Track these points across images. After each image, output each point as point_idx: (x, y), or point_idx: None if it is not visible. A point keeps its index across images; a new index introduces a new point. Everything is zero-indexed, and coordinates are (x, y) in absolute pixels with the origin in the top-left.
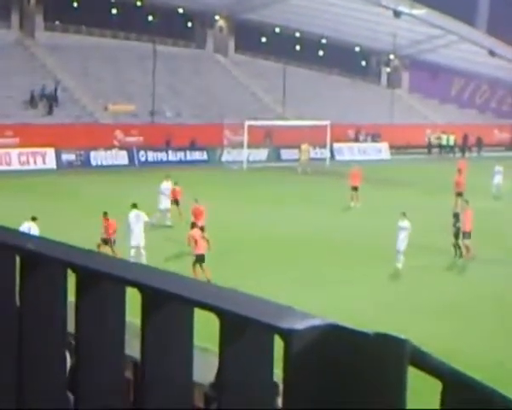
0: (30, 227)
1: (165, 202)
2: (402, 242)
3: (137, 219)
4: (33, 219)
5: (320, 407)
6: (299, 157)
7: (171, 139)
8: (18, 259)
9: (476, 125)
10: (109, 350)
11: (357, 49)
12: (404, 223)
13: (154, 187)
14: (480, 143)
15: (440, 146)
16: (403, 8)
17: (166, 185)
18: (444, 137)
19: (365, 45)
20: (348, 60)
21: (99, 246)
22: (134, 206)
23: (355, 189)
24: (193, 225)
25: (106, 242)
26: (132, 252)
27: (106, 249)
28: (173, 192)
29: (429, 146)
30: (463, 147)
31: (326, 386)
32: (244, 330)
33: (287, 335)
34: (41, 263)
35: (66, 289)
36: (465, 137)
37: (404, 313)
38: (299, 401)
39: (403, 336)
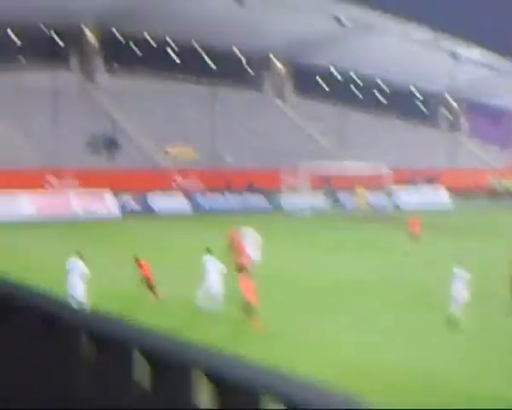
0: (75, 262)
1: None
2: (458, 290)
3: (213, 266)
4: (79, 254)
5: None
6: (356, 201)
7: (230, 184)
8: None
9: None
10: None
11: (415, 91)
12: (460, 271)
13: (213, 232)
14: None
15: (503, 192)
16: (460, 49)
17: (248, 232)
18: (507, 182)
19: (423, 88)
20: (406, 103)
21: (151, 289)
22: (208, 251)
23: (413, 235)
24: (239, 269)
25: (150, 287)
26: (202, 296)
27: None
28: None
29: (492, 192)
30: None
31: None
32: None
33: None
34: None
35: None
36: None
37: (460, 362)
38: None
39: None
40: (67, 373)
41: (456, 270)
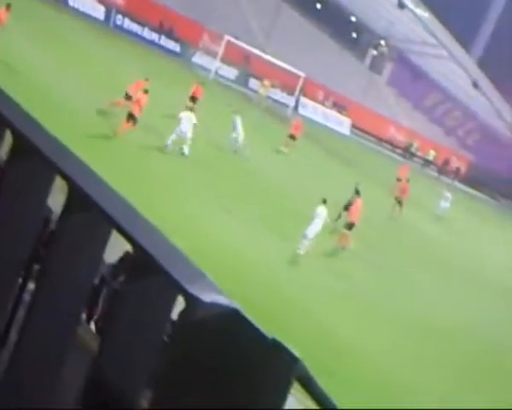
0: None
1: None
2: (312, 228)
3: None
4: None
5: (188, 374)
6: (259, 90)
7: (163, 23)
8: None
9: (439, 145)
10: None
11: (352, 18)
12: (321, 211)
13: (121, 54)
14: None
15: (418, 157)
16: (408, 2)
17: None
18: (429, 151)
19: (361, 19)
20: (341, 26)
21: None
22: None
23: (292, 138)
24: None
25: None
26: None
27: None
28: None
29: (406, 151)
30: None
31: (204, 360)
32: (154, 274)
33: (190, 300)
34: None
35: None
36: (446, 161)
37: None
38: (175, 362)
39: (297, 355)
40: None
41: (318, 209)
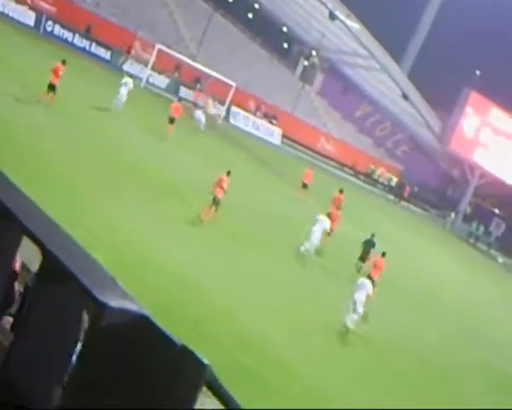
0: None
1: None
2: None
3: None
4: None
5: (100, 380)
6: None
7: (91, 28)
8: None
9: (368, 155)
10: None
11: (284, 29)
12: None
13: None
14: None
15: (381, 183)
16: (339, 13)
17: None
18: (388, 176)
19: (293, 30)
20: (273, 36)
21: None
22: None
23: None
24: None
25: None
26: None
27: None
28: None
29: (368, 177)
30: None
31: (113, 365)
32: (64, 279)
33: (99, 307)
34: None
35: None
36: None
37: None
38: (85, 366)
39: (206, 361)
40: None
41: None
